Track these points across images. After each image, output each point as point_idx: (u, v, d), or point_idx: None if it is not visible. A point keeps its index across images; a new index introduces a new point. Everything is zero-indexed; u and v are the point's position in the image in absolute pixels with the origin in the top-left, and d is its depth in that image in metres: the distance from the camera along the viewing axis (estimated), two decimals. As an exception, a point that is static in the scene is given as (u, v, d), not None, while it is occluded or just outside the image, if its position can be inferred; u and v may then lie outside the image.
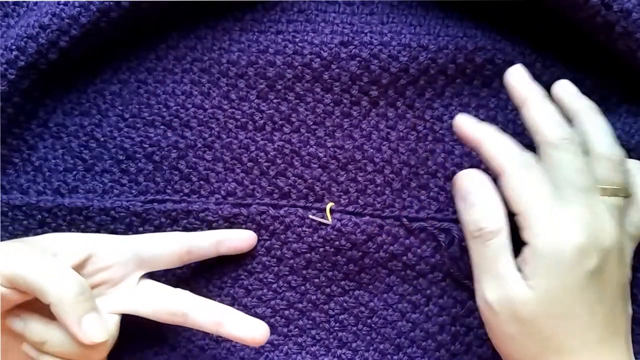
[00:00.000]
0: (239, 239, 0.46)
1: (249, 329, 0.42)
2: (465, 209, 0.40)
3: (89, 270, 0.42)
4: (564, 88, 0.42)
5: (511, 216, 0.39)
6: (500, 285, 0.38)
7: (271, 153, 0.47)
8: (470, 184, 0.40)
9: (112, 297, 0.43)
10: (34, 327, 0.39)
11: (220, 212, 0.47)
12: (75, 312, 0.38)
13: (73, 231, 0.47)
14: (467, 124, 0.41)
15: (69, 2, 0.43)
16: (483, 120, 0.45)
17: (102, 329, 0.38)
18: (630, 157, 0.44)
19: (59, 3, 0.43)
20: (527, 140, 0.45)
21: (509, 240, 0.38)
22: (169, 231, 0.47)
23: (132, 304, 0.43)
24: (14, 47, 0.44)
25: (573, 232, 0.36)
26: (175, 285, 0.45)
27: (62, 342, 0.39)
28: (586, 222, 0.37)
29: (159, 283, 0.45)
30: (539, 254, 0.37)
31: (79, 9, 0.43)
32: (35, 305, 0.39)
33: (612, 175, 0.39)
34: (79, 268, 0.41)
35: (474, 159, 0.46)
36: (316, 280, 0.47)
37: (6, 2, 0.47)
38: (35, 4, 0.46)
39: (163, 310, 0.43)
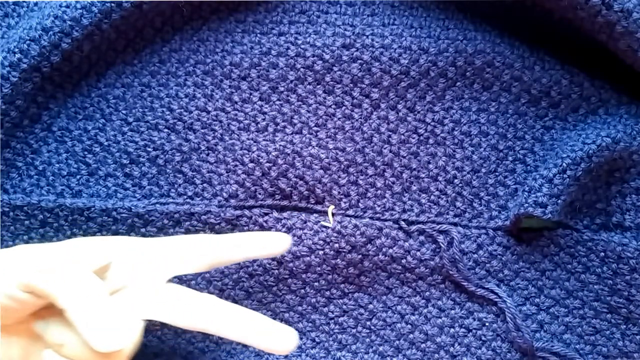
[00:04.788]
0: (271, 243, 0.43)
1: (278, 339, 0.38)
2: None
3: (112, 274, 0.40)
4: None
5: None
6: None
7: (273, 154, 0.46)
8: None
9: (136, 302, 0.40)
10: (54, 330, 0.37)
11: (222, 214, 0.46)
12: (87, 318, 0.35)
13: (75, 231, 0.46)
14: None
15: (70, 4, 0.43)
16: (484, 124, 0.46)
17: (117, 337, 0.35)
18: (633, 159, 0.44)
19: (60, 5, 0.43)
20: (527, 145, 0.46)
21: None
22: (171, 233, 0.46)
23: (156, 310, 0.39)
24: (16, 49, 0.43)
25: None
26: None
27: (79, 347, 0.36)
28: None
29: (185, 288, 0.41)
30: None
31: (80, 10, 0.43)
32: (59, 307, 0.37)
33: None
34: (101, 272, 0.39)
35: (475, 163, 0.46)
36: (316, 283, 0.46)
37: (6, 2, 0.47)
38: (36, 4, 0.46)
39: (188, 317, 0.39)
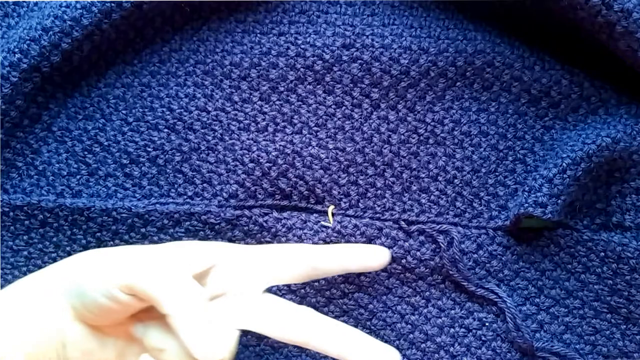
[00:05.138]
0: (370, 256, 0.42)
1: (381, 357, 0.38)
2: None
3: (211, 280, 0.39)
4: None
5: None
6: None
7: (273, 154, 0.46)
8: None
9: (232, 311, 0.39)
10: (154, 334, 0.37)
11: (222, 214, 0.46)
12: (191, 327, 0.34)
13: (75, 231, 0.46)
14: None
15: (70, 4, 0.43)
16: (484, 124, 0.46)
17: (218, 346, 0.35)
18: (633, 159, 0.44)
19: (60, 5, 0.43)
20: (527, 145, 0.46)
21: None
22: (171, 233, 0.46)
23: (252, 320, 0.39)
24: (16, 49, 0.43)
25: None
26: None
27: (179, 354, 0.36)
28: None
29: (281, 299, 0.41)
30: None
31: (80, 10, 0.43)
32: (159, 312, 0.36)
33: None
34: (200, 277, 0.38)
35: (475, 163, 0.46)
36: (316, 283, 0.46)
37: (6, 2, 0.47)
38: (36, 4, 0.46)
39: (287, 330, 0.38)
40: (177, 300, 0.35)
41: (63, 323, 0.37)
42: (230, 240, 0.46)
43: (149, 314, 0.37)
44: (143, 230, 0.46)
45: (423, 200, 0.46)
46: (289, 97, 0.46)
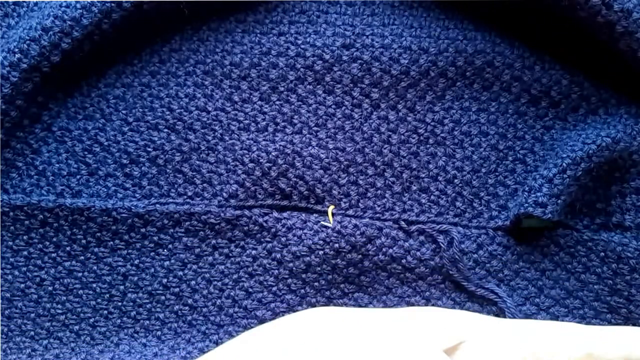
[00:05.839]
0: None
1: None
2: None
3: (461, 354, 0.36)
4: None
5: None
6: None
7: (273, 154, 0.46)
8: None
9: None
10: None
11: (222, 214, 0.46)
12: None
13: (75, 231, 0.46)
14: None
15: (70, 4, 0.43)
16: (484, 124, 0.45)
17: None
18: (633, 159, 0.44)
19: (60, 5, 0.43)
20: (527, 145, 0.46)
21: None
22: (171, 233, 0.46)
23: None
24: (16, 49, 0.43)
25: None
26: (178, 286, 0.44)
27: None
28: None
29: None
30: None
31: (80, 10, 0.43)
32: None
33: None
34: (450, 352, 0.36)
35: (475, 163, 0.46)
36: (316, 283, 0.46)
37: (6, 2, 0.47)
38: (36, 4, 0.46)
39: None
40: None
41: None
42: (230, 240, 0.46)
43: None
44: (143, 230, 0.46)
45: (423, 200, 0.46)
46: (289, 97, 0.46)
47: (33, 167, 0.47)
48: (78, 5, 0.42)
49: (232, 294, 0.46)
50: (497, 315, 0.45)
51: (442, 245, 0.45)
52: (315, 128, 0.46)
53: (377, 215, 0.46)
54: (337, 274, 0.45)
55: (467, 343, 0.36)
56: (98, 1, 0.42)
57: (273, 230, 0.46)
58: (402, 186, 0.46)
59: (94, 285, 0.46)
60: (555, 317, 0.44)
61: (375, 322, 0.36)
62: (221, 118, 0.46)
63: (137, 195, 0.46)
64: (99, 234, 0.46)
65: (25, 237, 0.46)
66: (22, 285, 0.46)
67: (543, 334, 0.36)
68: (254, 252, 0.46)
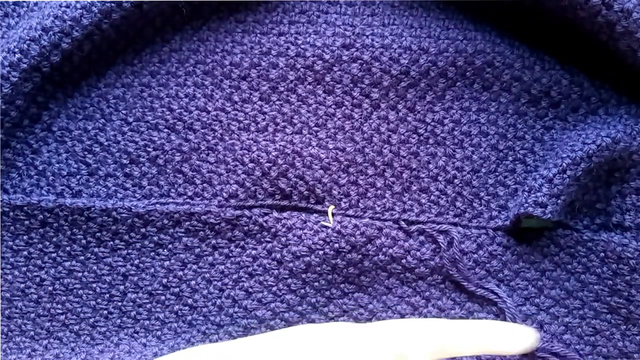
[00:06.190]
0: (514, 339, 0.36)
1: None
2: None
3: None
4: None
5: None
6: None
7: (273, 154, 0.46)
8: None
9: None
10: None
11: (222, 214, 0.46)
12: None
13: (75, 231, 0.46)
14: None
15: (70, 4, 0.43)
16: (484, 124, 0.45)
17: None
18: (633, 159, 0.43)
19: (60, 5, 0.43)
20: (527, 145, 0.46)
21: None
22: (171, 233, 0.46)
23: None
24: (16, 49, 0.43)
25: None
26: (178, 286, 0.43)
27: None
28: None
29: None
30: None
31: (80, 10, 0.43)
32: None
33: None
34: None
35: (475, 163, 0.46)
36: (316, 283, 0.46)
37: (6, 2, 0.47)
38: (36, 4, 0.46)
39: None
40: None
41: None
42: (230, 240, 0.46)
43: None
44: (143, 230, 0.46)
45: (423, 200, 0.46)
46: (289, 97, 0.46)
47: (33, 167, 0.47)
48: (78, 5, 0.42)
49: (232, 294, 0.46)
50: (497, 315, 0.45)
51: (442, 245, 0.45)
52: (315, 128, 0.46)
53: (377, 215, 0.46)
54: (337, 274, 0.45)
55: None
56: (98, 1, 0.42)
57: (273, 230, 0.46)
58: (402, 186, 0.46)
59: (94, 285, 0.46)
60: (555, 317, 0.44)
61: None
62: (221, 118, 0.46)
63: (137, 195, 0.46)
64: (99, 234, 0.46)
65: (25, 237, 0.46)
66: (22, 285, 0.46)
67: (395, 331, 0.36)
68: (254, 252, 0.46)
